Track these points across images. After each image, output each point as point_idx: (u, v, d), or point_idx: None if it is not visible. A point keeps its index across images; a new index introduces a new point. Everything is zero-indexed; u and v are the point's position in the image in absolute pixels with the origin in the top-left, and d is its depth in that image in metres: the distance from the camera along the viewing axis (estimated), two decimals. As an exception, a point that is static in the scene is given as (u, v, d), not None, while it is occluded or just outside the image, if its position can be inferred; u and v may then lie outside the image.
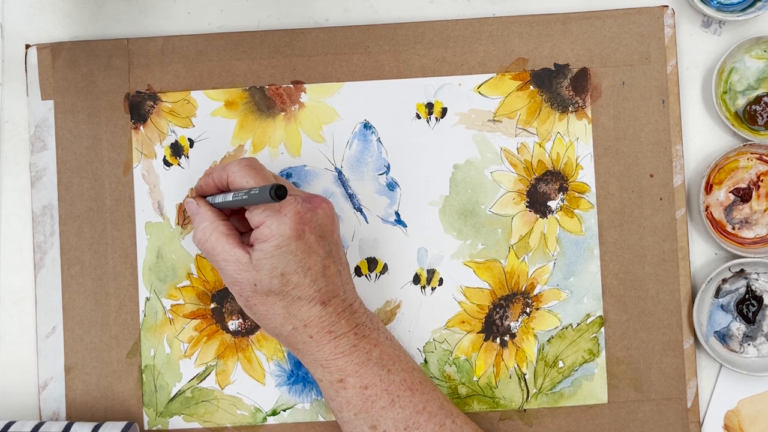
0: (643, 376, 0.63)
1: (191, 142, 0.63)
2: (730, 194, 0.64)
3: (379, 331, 0.58)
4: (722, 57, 0.62)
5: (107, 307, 0.62)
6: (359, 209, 0.63)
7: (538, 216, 0.63)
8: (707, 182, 0.64)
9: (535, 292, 0.63)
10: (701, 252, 0.65)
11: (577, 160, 0.63)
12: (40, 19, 0.65)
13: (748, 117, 0.64)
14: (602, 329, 0.63)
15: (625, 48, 0.63)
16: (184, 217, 0.63)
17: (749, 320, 0.64)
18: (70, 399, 0.62)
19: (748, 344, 0.64)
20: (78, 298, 0.62)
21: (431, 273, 0.63)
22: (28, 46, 0.63)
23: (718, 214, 0.64)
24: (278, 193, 0.49)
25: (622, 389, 0.63)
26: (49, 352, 0.62)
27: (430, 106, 0.63)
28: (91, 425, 0.59)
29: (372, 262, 0.63)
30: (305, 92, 0.63)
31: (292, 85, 0.63)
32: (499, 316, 0.63)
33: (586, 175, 0.63)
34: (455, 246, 0.63)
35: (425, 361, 0.63)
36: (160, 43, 0.63)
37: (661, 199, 0.63)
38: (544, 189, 0.63)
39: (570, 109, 0.63)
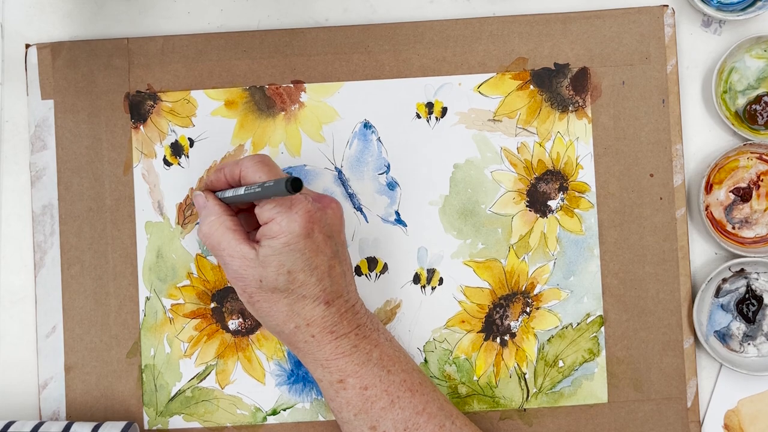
0: (643, 376, 0.63)
1: (191, 142, 0.63)
2: (730, 194, 0.64)
3: (380, 332, 0.58)
4: (722, 56, 0.62)
5: (107, 307, 0.62)
6: (359, 209, 0.63)
7: (538, 215, 0.63)
8: (707, 182, 0.64)
9: (535, 292, 0.63)
10: (701, 252, 0.65)
11: (577, 159, 0.63)
12: (40, 19, 0.64)
13: (748, 116, 0.64)
14: (602, 329, 0.63)
15: (625, 47, 0.63)
16: (184, 217, 0.63)
17: (749, 320, 0.64)
18: (70, 399, 0.62)
19: (748, 344, 0.64)
20: (78, 298, 0.62)
21: (431, 272, 0.63)
22: (28, 46, 0.63)
23: (718, 213, 0.64)
24: (294, 185, 0.49)
25: (622, 389, 0.63)
26: (49, 351, 0.62)
27: (430, 106, 0.63)
28: (91, 425, 0.59)
29: (372, 262, 0.63)
30: (305, 92, 0.63)
31: (292, 85, 0.63)
32: (499, 316, 0.63)
33: (586, 174, 0.63)
34: (455, 245, 0.63)
35: (425, 360, 0.63)
36: (160, 43, 0.63)
37: (661, 198, 0.63)
38: (544, 188, 0.63)
39: (570, 108, 0.63)
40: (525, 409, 0.63)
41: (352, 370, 0.55)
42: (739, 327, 0.64)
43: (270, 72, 0.63)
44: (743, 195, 0.64)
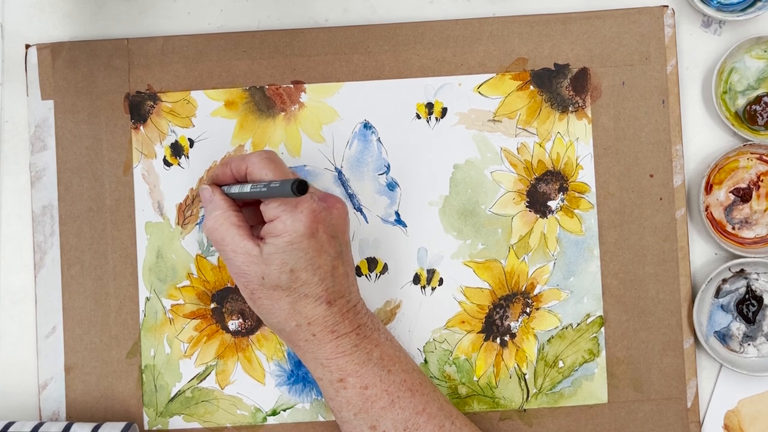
0: (643, 376, 0.63)
1: (191, 142, 0.63)
2: (730, 194, 0.64)
3: (380, 332, 0.58)
4: (722, 57, 0.62)
5: (107, 307, 0.62)
6: (359, 209, 0.63)
7: (538, 216, 0.63)
8: (707, 182, 0.64)
9: (535, 292, 0.63)
10: (701, 252, 0.65)
11: (577, 160, 0.63)
12: (40, 19, 0.65)
13: (748, 117, 0.64)
14: (602, 329, 0.63)
15: (625, 48, 0.63)
16: (184, 217, 0.63)
17: (749, 320, 0.64)
18: (70, 399, 0.62)
19: (748, 344, 0.64)
20: (78, 298, 0.62)
21: (431, 273, 0.63)
22: (28, 46, 0.63)
23: (718, 214, 0.64)
24: (300, 188, 0.49)
25: (622, 389, 0.63)
26: (49, 352, 0.62)
27: (430, 106, 0.63)
28: (91, 425, 0.59)
29: (372, 262, 0.63)
30: (305, 92, 0.63)
31: (292, 85, 0.63)
32: (499, 316, 0.63)
33: (586, 175, 0.63)
34: (455, 246, 0.63)
35: (425, 361, 0.63)
36: (160, 43, 0.63)
37: (661, 199, 0.63)
38: (544, 189, 0.63)
39: (570, 109, 0.63)
40: (525, 410, 0.63)
41: (353, 370, 0.55)
42: (739, 327, 0.64)
43: (270, 72, 0.63)
44: (743, 195, 0.64)
